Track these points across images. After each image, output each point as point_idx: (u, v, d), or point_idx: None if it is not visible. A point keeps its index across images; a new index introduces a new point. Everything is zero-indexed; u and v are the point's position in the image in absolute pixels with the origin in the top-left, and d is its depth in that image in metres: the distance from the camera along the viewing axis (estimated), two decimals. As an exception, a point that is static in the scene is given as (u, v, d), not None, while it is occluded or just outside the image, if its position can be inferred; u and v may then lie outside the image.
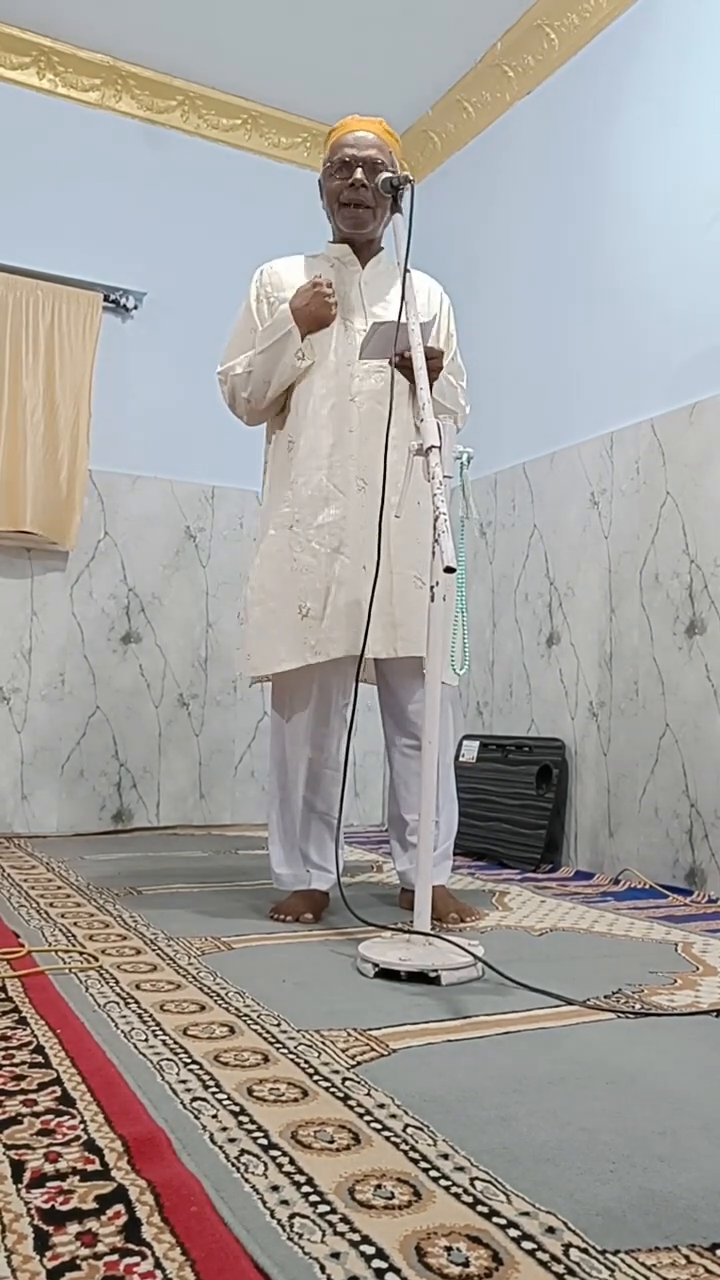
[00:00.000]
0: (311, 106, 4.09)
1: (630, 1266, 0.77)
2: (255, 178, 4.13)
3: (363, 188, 2.16)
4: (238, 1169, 0.91)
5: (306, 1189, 0.88)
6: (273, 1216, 0.83)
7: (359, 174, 2.15)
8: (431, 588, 1.73)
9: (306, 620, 2.10)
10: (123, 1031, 1.31)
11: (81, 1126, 1.00)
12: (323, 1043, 1.29)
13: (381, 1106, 1.08)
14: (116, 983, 1.56)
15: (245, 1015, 1.40)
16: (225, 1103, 1.07)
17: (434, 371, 2.10)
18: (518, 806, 3.21)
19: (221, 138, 4.09)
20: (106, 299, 3.74)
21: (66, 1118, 1.02)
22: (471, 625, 3.48)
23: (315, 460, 2.15)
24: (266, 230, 3.91)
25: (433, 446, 1.72)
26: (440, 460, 1.72)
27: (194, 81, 3.95)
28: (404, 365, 2.02)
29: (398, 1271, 0.75)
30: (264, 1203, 0.85)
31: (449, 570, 1.61)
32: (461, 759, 3.48)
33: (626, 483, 3.04)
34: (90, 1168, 0.90)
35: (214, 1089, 1.11)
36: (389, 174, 2.08)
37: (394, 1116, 1.05)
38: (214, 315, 3.88)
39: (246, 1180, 0.89)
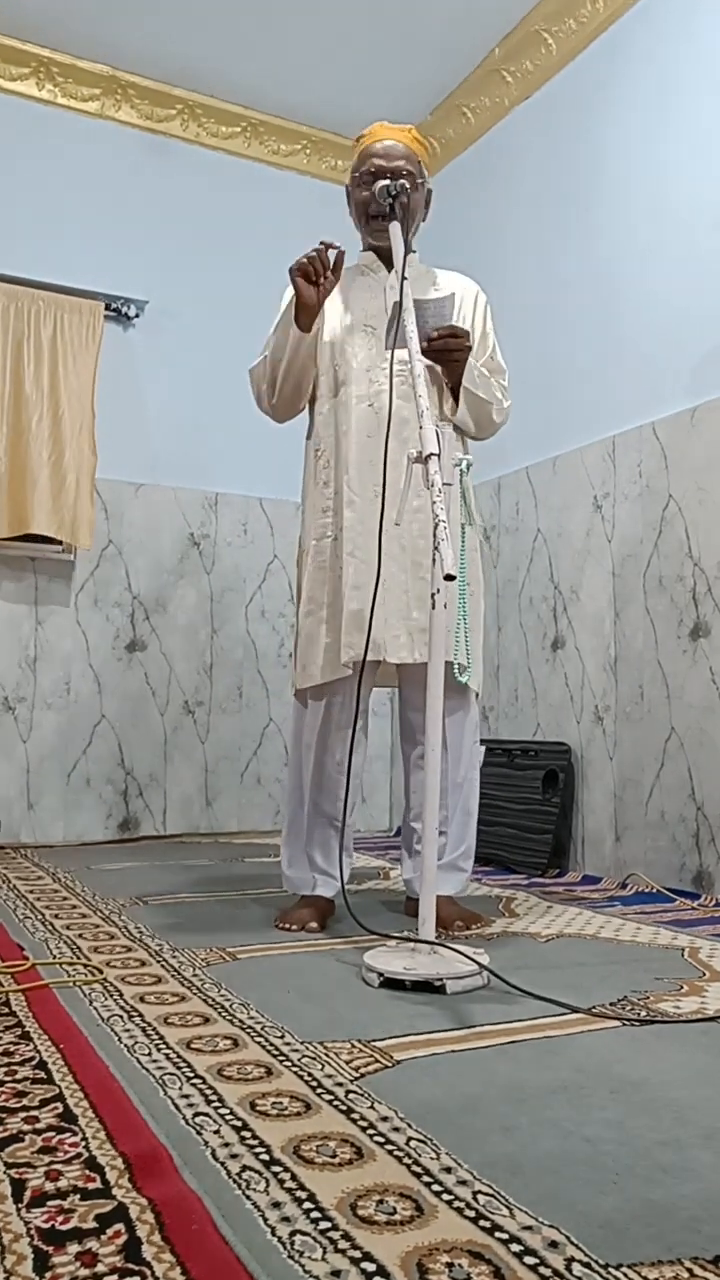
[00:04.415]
0: (310, 113, 4.10)
1: (632, 1282, 0.76)
2: (255, 185, 4.14)
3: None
4: (239, 1186, 0.91)
5: (308, 1205, 0.87)
6: (274, 1234, 0.82)
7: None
8: (433, 595, 1.74)
9: (348, 625, 2.10)
10: (126, 1046, 1.31)
11: (83, 1143, 0.99)
12: (326, 1055, 1.29)
13: (385, 1119, 1.07)
14: (121, 996, 1.56)
15: (249, 1027, 1.40)
16: (227, 1118, 1.07)
17: (462, 351, 2.14)
18: (524, 811, 3.21)
19: (221, 146, 4.10)
20: (108, 308, 3.75)
21: (68, 1134, 1.02)
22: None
23: (334, 466, 2.17)
24: (267, 237, 3.92)
25: (432, 454, 1.72)
26: (440, 468, 1.72)
27: (193, 90, 3.96)
28: (429, 351, 2.07)
29: (398, 1289, 0.75)
30: (265, 1220, 0.85)
31: (449, 578, 1.61)
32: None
33: (629, 486, 3.03)
34: (91, 1186, 0.90)
35: (216, 1104, 1.11)
36: (385, 182, 2.08)
37: (397, 1129, 1.05)
38: (216, 322, 3.92)
39: (248, 1197, 0.89)
